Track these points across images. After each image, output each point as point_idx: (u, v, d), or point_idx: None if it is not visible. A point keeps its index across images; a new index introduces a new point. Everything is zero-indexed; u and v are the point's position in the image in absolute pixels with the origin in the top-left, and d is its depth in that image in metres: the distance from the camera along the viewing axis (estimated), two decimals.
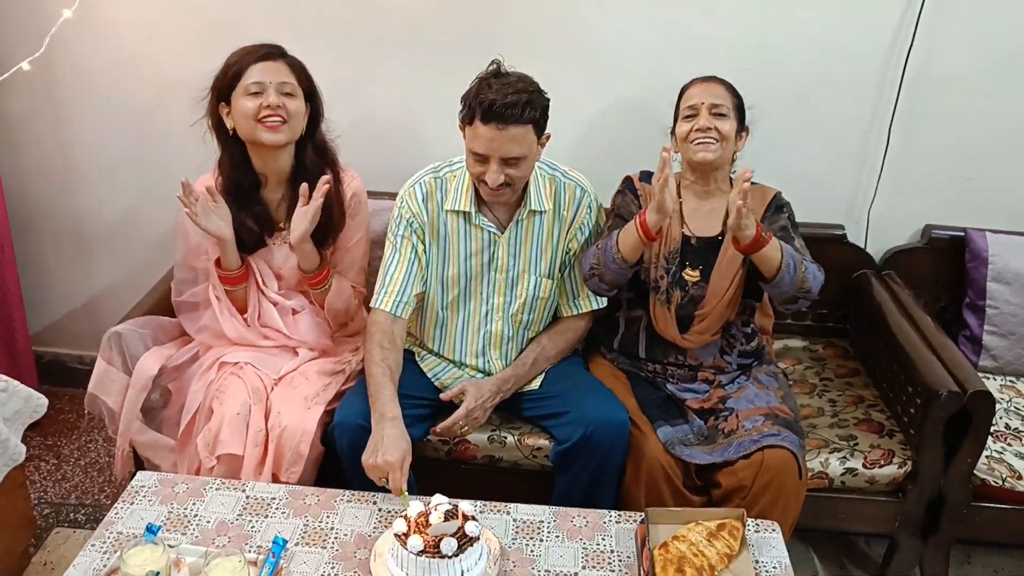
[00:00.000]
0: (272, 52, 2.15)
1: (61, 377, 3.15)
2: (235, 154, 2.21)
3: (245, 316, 2.29)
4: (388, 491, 1.90)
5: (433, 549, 1.65)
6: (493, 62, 2.03)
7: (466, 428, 2.18)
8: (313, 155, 2.23)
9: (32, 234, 3.00)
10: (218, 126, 2.20)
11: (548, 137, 2.10)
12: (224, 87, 2.14)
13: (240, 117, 2.13)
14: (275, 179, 2.24)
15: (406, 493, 1.87)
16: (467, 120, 2.03)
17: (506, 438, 2.21)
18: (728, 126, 2.15)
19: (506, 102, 1.94)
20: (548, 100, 2.05)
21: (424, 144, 2.68)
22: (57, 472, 2.76)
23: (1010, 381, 2.54)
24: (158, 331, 2.35)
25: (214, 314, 2.29)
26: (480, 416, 2.18)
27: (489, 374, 2.28)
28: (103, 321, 3.07)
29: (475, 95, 1.99)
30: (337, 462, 2.11)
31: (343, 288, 2.32)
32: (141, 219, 2.95)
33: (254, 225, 2.23)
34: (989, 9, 2.44)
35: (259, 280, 2.29)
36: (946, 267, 2.65)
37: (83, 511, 2.59)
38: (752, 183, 2.19)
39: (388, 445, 1.90)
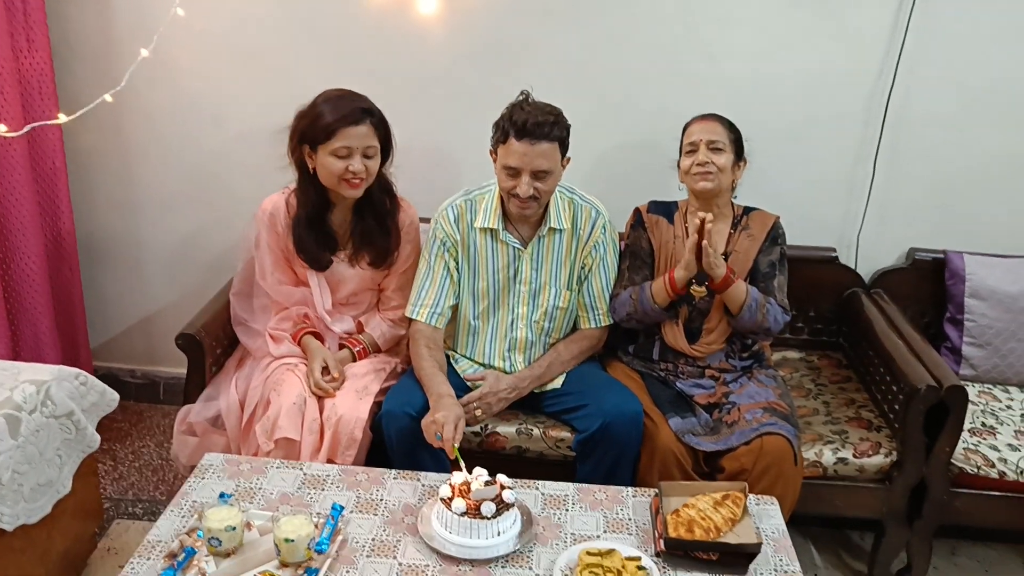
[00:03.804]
0: (363, 117, 2.34)
1: (114, 389, 3.33)
2: (311, 185, 2.43)
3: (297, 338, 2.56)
4: (443, 455, 2.17)
5: (474, 511, 1.89)
6: (523, 92, 2.34)
7: (480, 411, 2.41)
8: (378, 189, 2.47)
9: (94, 258, 3.27)
10: (299, 162, 2.42)
11: (569, 160, 2.40)
12: (313, 137, 2.34)
13: (325, 171, 2.36)
14: (344, 207, 2.50)
15: (456, 446, 2.14)
16: (501, 140, 2.32)
17: (532, 430, 2.45)
18: (724, 159, 2.43)
19: (537, 121, 2.25)
20: (570, 125, 2.35)
21: (456, 173, 2.97)
22: (114, 472, 3.00)
23: (987, 388, 2.78)
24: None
25: (264, 342, 2.57)
26: (493, 403, 2.43)
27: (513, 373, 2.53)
28: (154, 339, 3.36)
29: (509, 117, 2.30)
30: (382, 449, 2.36)
31: (383, 332, 2.62)
32: (194, 247, 3.23)
33: (322, 245, 2.49)
34: (962, 52, 2.74)
35: (318, 303, 2.56)
36: (929, 285, 2.91)
37: (140, 506, 2.82)
38: (754, 208, 2.51)
39: (443, 407, 2.21)
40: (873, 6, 2.72)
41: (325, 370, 2.43)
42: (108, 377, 3.37)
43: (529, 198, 2.32)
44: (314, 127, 2.34)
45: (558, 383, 2.51)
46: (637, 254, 2.55)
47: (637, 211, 2.60)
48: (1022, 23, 2.70)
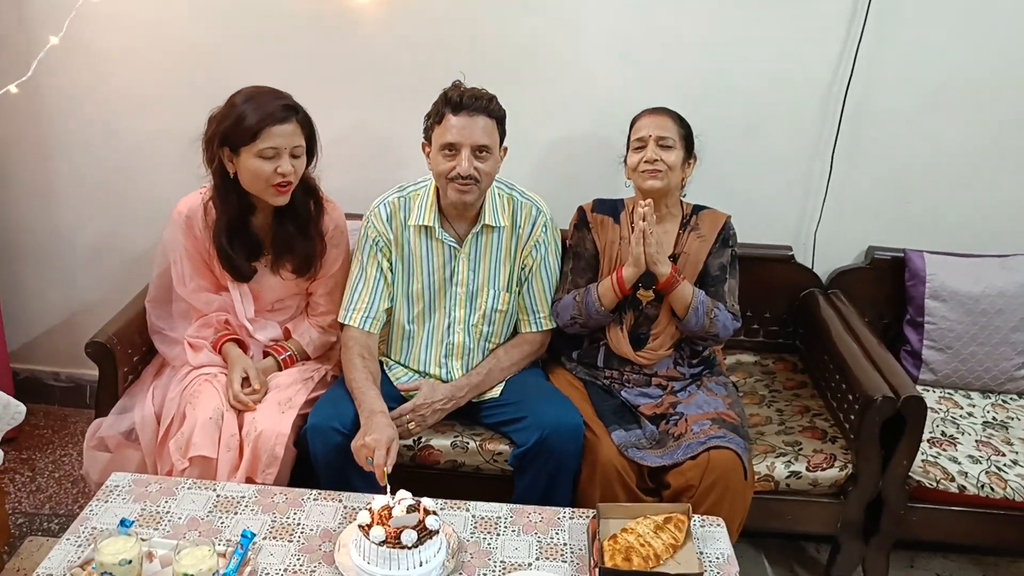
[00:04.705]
0: (288, 114, 2.17)
1: (37, 394, 3.21)
2: (229, 189, 2.24)
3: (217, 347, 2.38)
4: (373, 474, 1.99)
5: (394, 540, 1.74)
6: (455, 81, 2.22)
7: (413, 424, 2.27)
8: (300, 192, 2.29)
9: (12, 253, 3.09)
10: (218, 167, 2.22)
11: (506, 150, 2.27)
12: (236, 139, 2.15)
13: (250, 175, 2.17)
14: (265, 212, 2.32)
15: (387, 472, 1.96)
16: (436, 121, 2.19)
17: (468, 443, 2.31)
18: (674, 157, 2.29)
19: (474, 95, 2.16)
20: (505, 112, 2.22)
21: (393, 166, 2.80)
22: (31, 484, 2.82)
23: (948, 393, 2.68)
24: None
25: (183, 350, 2.39)
26: (428, 415, 2.29)
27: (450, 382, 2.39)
28: (80, 339, 3.14)
29: (443, 98, 2.19)
30: (308, 466, 2.21)
31: (312, 339, 2.45)
32: (119, 241, 3.05)
33: (244, 253, 2.31)
34: (919, 46, 2.62)
35: (239, 311, 2.38)
36: (888, 286, 2.80)
37: (57, 520, 2.65)
38: (704, 207, 2.38)
39: (375, 429, 2.04)
40: None
41: (246, 381, 2.27)
42: (30, 380, 3.23)
43: (469, 178, 2.18)
44: (236, 128, 2.15)
45: (496, 392, 2.37)
46: (581, 256, 2.41)
47: (581, 210, 2.46)
48: (980, 16, 2.59)
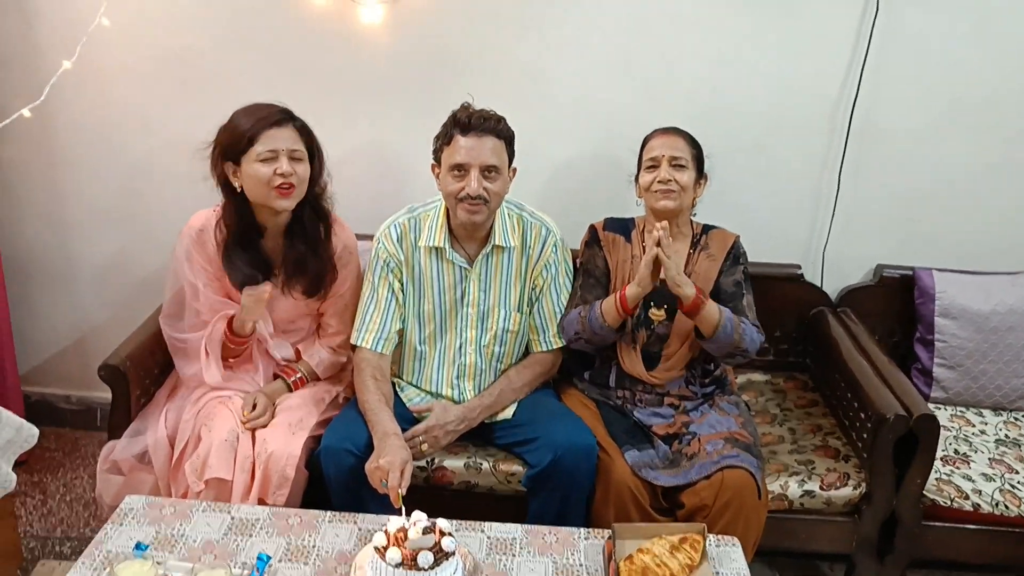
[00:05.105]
0: (283, 118, 2.21)
1: (49, 417, 3.20)
2: (238, 207, 2.27)
3: (229, 363, 2.38)
4: (387, 496, 1.99)
5: (410, 562, 1.74)
6: (463, 103, 2.24)
7: (426, 445, 2.27)
8: (310, 213, 2.31)
9: (23, 276, 3.09)
10: (223, 181, 2.26)
11: (515, 171, 2.29)
12: (235, 149, 2.19)
13: (252, 181, 2.20)
14: (273, 231, 2.33)
15: (402, 494, 1.96)
16: (445, 143, 2.22)
17: (482, 464, 2.31)
18: (687, 177, 2.30)
19: (482, 116, 2.19)
20: (514, 133, 2.25)
21: (402, 183, 2.82)
22: (43, 507, 2.82)
23: (960, 411, 2.68)
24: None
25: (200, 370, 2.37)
26: (441, 437, 2.28)
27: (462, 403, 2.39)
28: (91, 361, 3.17)
29: (452, 120, 2.22)
30: (321, 488, 2.21)
31: (321, 359, 2.46)
32: (129, 262, 3.06)
33: (254, 270, 2.30)
34: (925, 64, 2.64)
35: (259, 325, 2.38)
36: (897, 304, 2.80)
37: (69, 544, 2.64)
38: (713, 227, 2.39)
39: (389, 451, 2.05)
40: (834, 12, 2.61)
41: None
42: (41, 404, 3.23)
43: (479, 199, 2.20)
44: (233, 138, 2.20)
45: (509, 413, 2.37)
46: (591, 272, 2.42)
47: (592, 228, 2.47)
48: (984, 33, 2.61)
